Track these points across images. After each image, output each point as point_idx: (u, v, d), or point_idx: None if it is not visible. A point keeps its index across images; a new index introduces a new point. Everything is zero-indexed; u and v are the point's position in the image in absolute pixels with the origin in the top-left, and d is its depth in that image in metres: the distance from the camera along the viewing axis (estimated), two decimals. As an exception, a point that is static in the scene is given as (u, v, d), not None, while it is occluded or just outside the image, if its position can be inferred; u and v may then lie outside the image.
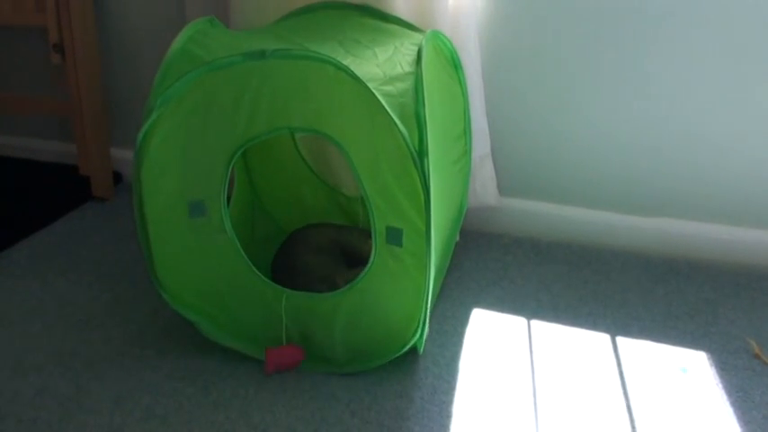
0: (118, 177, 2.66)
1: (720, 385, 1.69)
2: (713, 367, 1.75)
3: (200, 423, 1.60)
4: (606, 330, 1.87)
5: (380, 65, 1.56)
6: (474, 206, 2.23)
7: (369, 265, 1.62)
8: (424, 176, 1.48)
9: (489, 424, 1.58)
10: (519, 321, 1.92)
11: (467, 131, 2.05)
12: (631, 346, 1.82)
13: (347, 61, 1.50)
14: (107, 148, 2.55)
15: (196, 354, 1.79)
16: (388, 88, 1.50)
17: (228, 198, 1.90)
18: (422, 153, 1.47)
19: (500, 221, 2.31)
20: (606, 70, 2.10)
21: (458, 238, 2.17)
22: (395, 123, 1.45)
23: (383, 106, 1.44)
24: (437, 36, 1.86)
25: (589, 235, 2.26)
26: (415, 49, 1.63)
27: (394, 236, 1.56)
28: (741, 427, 1.57)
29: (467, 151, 2.06)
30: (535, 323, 1.91)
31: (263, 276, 1.70)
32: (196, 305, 1.74)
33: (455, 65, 1.95)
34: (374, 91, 1.44)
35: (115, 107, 2.61)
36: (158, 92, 1.54)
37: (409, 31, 1.92)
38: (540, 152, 2.25)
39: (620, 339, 1.85)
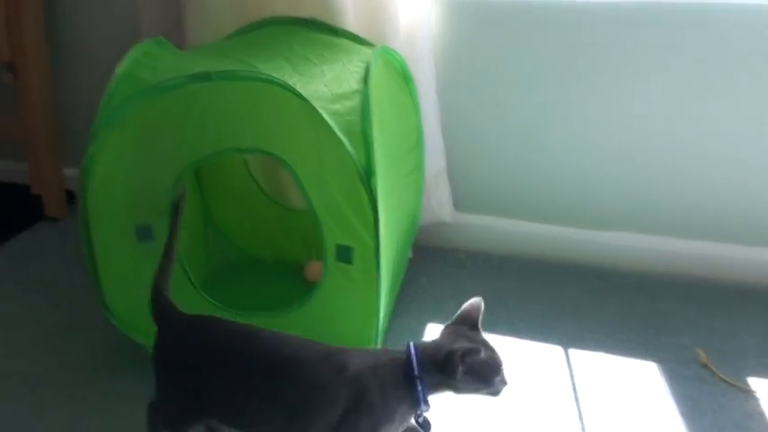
0: (71, 196, 2.62)
1: (670, 395, 1.72)
2: (663, 377, 1.77)
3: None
4: (559, 342, 1.89)
5: (328, 83, 1.56)
6: (429, 222, 2.24)
7: (320, 283, 1.62)
8: (373, 195, 1.48)
9: (444, 438, 1.59)
10: (474, 336, 1.93)
11: (419, 144, 2.06)
12: (584, 358, 1.84)
13: (294, 80, 1.50)
14: (59, 167, 2.53)
15: (149, 375, 1.76)
16: (336, 107, 1.50)
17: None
18: (369, 171, 1.47)
19: (455, 237, 2.33)
20: (561, 89, 2.13)
21: (410, 255, 2.17)
22: (342, 143, 1.45)
23: (330, 126, 1.45)
24: (387, 51, 1.87)
25: (543, 249, 2.28)
26: (364, 65, 1.64)
27: (344, 254, 1.56)
28: (691, 435, 1.60)
29: (419, 165, 2.07)
30: (490, 337, 1.90)
31: (212, 300, 1.69)
32: (145, 328, 1.71)
33: (406, 78, 1.96)
34: (321, 110, 1.45)
35: (68, 126, 2.59)
36: (103, 115, 1.53)
37: (359, 46, 1.92)
38: (494, 168, 2.27)
39: (572, 351, 1.87)
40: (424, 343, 1.39)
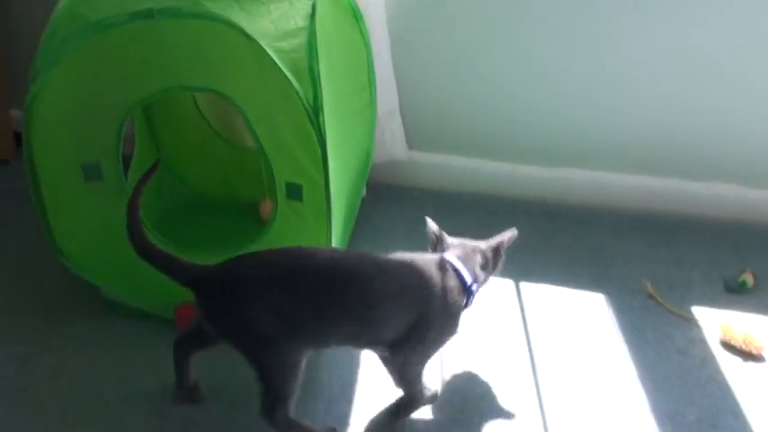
0: (20, 139, 2.57)
1: (617, 325, 1.78)
2: (610, 308, 1.83)
3: (110, 381, 1.61)
4: (510, 276, 1.93)
5: (274, 20, 1.53)
6: (382, 160, 2.24)
7: (271, 221, 1.63)
8: (321, 132, 1.48)
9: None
10: (428, 272, 1.95)
11: (371, 82, 2.04)
12: (533, 291, 1.89)
13: (239, 18, 1.47)
14: (6, 109, 2.47)
15: (104, 315, 1.78)
16: (281, 44, 1.48)
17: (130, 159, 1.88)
18: (317, 108, 1.47)
19: (409, 175, 2.34)
20: (514, 25, 2.12)
21: (365, 193, 2.18)
22: (288, 80, 1.44)
23: (276, 63, 1.43)
24: (334, -14, 1.84)
25: (496, 186, 2.30)
26: (310, 2, 1.61)
27: (294, 191, 1.57)
28: (635, 362, 1.66)
29: (371, 102, 2.06)
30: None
31: (164, 239, 1.68)
32: (99, 269, 1.73)
33: (355, 15, 1.93)
34: (267, 48, 1.43)
35: (13, 66, 2.52)
36: (44, 54, 1.50)
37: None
38: (447, 106, 2.27)
39: (522, 285, 1.91)
40: (455, 253, 1.53)
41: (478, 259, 1.54)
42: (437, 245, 1.59)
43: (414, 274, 1.45)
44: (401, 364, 1.45)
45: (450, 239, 1.58)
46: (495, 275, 1.61)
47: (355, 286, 1.40)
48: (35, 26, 2.45)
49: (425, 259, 1.51)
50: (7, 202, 2.28)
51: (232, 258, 1.41)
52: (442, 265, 1.49)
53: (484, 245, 1.58)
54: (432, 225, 1.62)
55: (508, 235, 1.60)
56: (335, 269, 1.41)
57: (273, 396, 1.38)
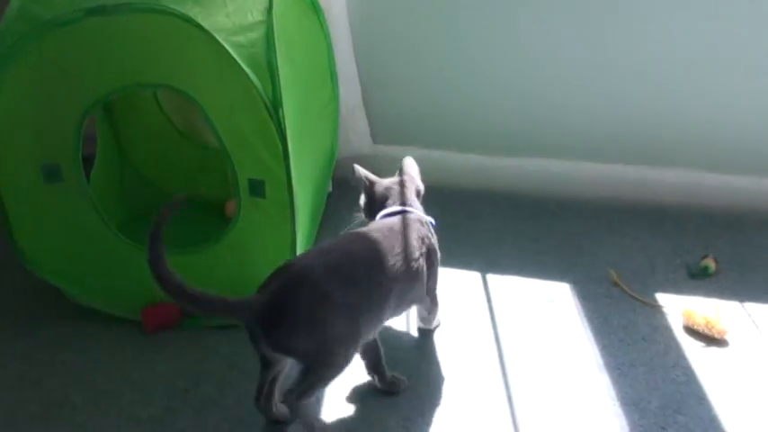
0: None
1: (582, 313, 1.79)
2: (576, 297, 1.84)
3: (78, 385, 1.59)
4: (477, 269, 1.94)
5: (230, 14, 1.53)
6: (348, 155, 2.23)
7: (234, 219, 1.62)
8: (281, 127, 1.48)
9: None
10: (394, 265, 1.96)
11: (333, 76, 2.04)
12: (501, 282, 1.90)
13: (194, 12, 1.47)
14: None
15: (71, 319, 1.76)
16: (238, 39, 1.48)
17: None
18: (276, 103, 1.47)
19: (374, 169, 2.31)
20: (475, 18, 2.12)
21: (330, 188, 2.17)
22: (247, 75, 1.44)
23: (233, 58, 1.43)
24: (293, -20, 1.83)
25: (461, 178, 2.31)
26: None
27: (256, 187, 1.56)
28: (600, 350, 1.67)
29: (334, 96, 2.06)
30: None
31: (128, 240, 1.67)
32: (63, 271, 1.71)
33: (314, 8, 1.93)
34: (223, 42, 1.43)
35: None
36: (-2, 55, 1.48)
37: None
38: (411, 99, 2.28)
39: (489, 276, 1.92)
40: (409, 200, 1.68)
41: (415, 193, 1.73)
42: (371, 187, 1.71)
43: (414, 227, 1.58)
44: (434, 295, 1.64)
45: (382, 182, 1.73)
46: None
47: (390, 257, 1.47)
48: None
49: (409, 217, 1.62)
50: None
51: (277, 278, 1.36)
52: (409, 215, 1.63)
53: (410, 180, 1.74)
54: (360, 170, 1.73)
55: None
56: (369, 250, 1.47)
57: (313, 387, 1.38)
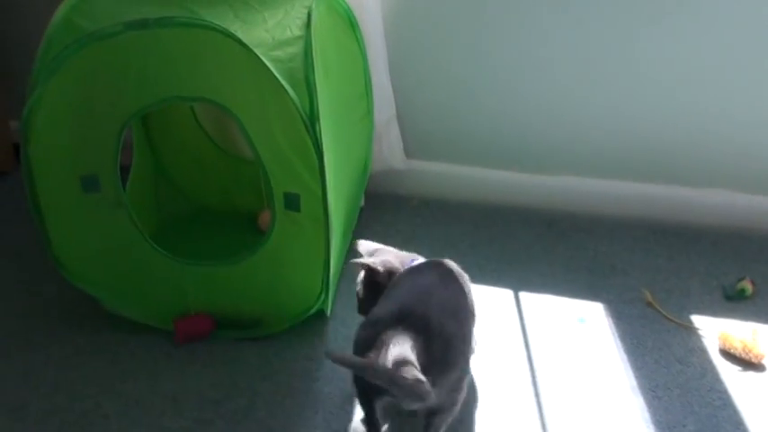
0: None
1: (616, 334, 1.77)
2: (609, 317, 1.82)
3: (109, 394, 1.60)
4: (510, 286, 1.93)
5: (270, 29, 1.54)
6: (381, 169, 2.24)
7: (269, 231, 1.62)
8: (318, 141, 1.48)
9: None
10: (426, 281, 1.95)
11: (368, 91, 2.05)
12: (533, 300, 1.88)
13: (235, 27, 1.48)
14: (5, 121, 2.47)
15: (104, 327, 1.77)
16: (277, 53, 1.49)
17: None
18: (313, 118, 1.47)
19: (407, 183, 2.33)
20: (509, 35, 2.12)
21: (363, 202, 2.17)
22: (284, 89, 1.44)
23: (272, 72, 1.43)
24: (330, -5, 1.84)
25: (494, 194, 2.29)
26: (306, 11, 1.61)
27: (291, 201, 1.56)
28: (634, 371, 1.65)
29: (369, 111, 2.06)
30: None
31: (163, 251, 1.68)
32: (97, 280, 1.73)
33: (351, 23, 1.93)
34: (262, 57, 1.43)
35: (14, 78, 2.52)
36: (41, 65, 1.50)
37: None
38: (445, 114, 2.27)
39: (522, 294, 1.90)
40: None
41: None
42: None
43: None
44: None
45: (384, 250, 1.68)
46: None
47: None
48: (34, 36, 2.47)
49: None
50: (6, 212, 2.28)
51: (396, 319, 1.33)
52: None
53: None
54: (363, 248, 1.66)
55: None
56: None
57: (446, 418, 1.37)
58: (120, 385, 1.62)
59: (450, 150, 2.31)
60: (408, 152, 2.30)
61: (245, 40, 1.43)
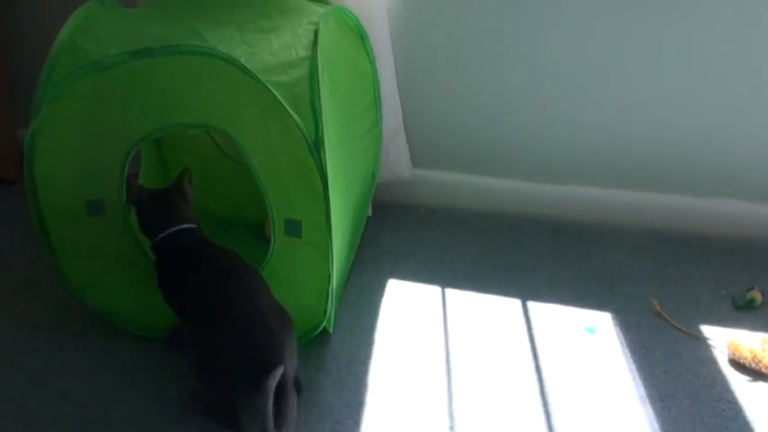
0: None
1: (624, 344, 1.76)
2: (618, 327, 1.82)
3: (117, 403, 1.61)
4: (517, 296, 1.92)
5: (275, 52, 1.53)
6: (387, 179, 2.24)
7: (268, 256, 1.62)
8: (322, 167, 1.47)
9: (404, 391, 1.62)
10: (434, 290, 1.96)
11: (376, 101, 2.03)
12: (541, 310, 1.88)
13: (239, 52, 1.47)
14: (13, 130, 2.47)
15: (111, 337, 1.78)
16: (282, 78, 1.48)
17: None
18: (318, 143, 1.45)
19: (414, 193, 2.33)
20: (515, 45, 2.11)
21: (370, 213, 2.17)
22: (289, 115, 1.43)
23: (276, 98, 1.42)
24: (339, 10, 1.83)
25: (501, 203, 2.29)
26: (313, 29, 1.59)
27: (293, 228, 1.56)
28: (643, 382, 1.65)
29: (377, 120, 2.05)
30: (449, 291, 1.95)
31: None
32: (104, 299, 1.74)
33: (360, 35, 1.93)
34: (266, 83, 1.42)
35: (23, 86, 2.53)
36: (44, 89, 1.50)
37: (312, 5, 1.86)
38: (452, 123, 2.26)
39: (530, 304, 1.90)
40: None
41: None
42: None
43: None
44: None
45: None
46: None
47: None
48: (42, 46, 2.47)
49: None
50: (15, 221, 2.29)
51: None
52: None
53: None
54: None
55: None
56: None
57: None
58: (127, 394, 1.63)
59: (456, 159, 2.30)
60: (415, 161, 2.30)
61: (249, 65, 1.42)
